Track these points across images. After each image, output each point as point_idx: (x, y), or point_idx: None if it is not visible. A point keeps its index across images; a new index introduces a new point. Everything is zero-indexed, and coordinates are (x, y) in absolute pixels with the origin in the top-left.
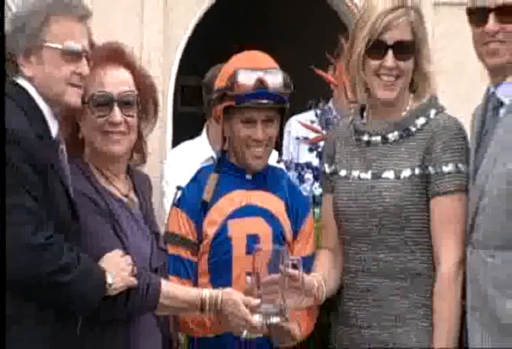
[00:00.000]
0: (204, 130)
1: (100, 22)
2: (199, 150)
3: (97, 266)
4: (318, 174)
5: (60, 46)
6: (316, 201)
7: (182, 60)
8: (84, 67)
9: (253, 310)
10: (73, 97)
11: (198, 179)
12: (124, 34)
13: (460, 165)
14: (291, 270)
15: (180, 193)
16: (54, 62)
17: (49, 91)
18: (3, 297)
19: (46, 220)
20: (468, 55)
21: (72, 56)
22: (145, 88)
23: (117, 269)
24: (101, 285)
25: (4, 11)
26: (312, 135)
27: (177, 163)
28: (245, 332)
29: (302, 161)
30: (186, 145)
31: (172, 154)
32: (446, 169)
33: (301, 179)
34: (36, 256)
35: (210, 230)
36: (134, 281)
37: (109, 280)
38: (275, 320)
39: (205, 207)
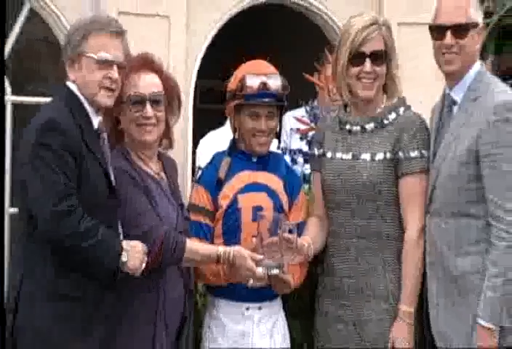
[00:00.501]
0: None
1: (136, 37)
2: (224, 138)
3: (117, 242)
4: (307, 158)
5: (94, 56)
6: (306, 179)
7: (200, 67)
8: (114, 73)
9: (257, 263)
10: (104, 97)
11: (214, 163)
12: (154, 46)
13: (423, 151)
14: (287, 234)
15: (200, 173)
16: (89, 69)
17: (86, 92)
18: (3, 297)
19: (72, 194)
20: (423, 64)
21: (104, 64)
22: (170, 89)
23: (135, 254)
24: (115, 258)
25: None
26: (302, 127)
27: (207, 150)
28: (251, 281)
29: (294, 147)
30: (212, 135)
31: (202, 143)
32: (412, 154)
33: (294, 161)
34: (57, 221)
35: (224, 202)
36: (142, 267)
37: (124, 258)
38: (274, 272)
39: (220, 184)
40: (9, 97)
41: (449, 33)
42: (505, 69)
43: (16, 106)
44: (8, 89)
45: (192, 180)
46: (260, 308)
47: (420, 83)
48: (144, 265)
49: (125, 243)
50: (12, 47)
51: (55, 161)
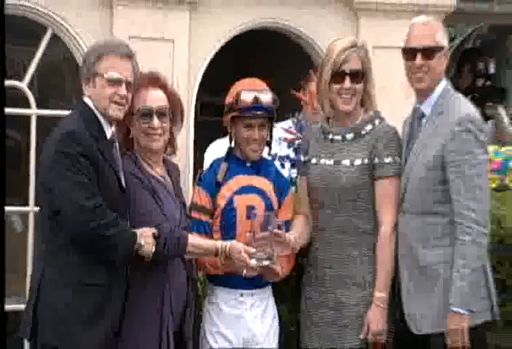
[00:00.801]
0: None
1: (144, 57)
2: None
3: (132, 231)
4: (294, 163)
5: (105, 76)
6: (293, 182)
7: (201, 84)
8: (122, 90)
9: (250, 256)
10: (115, 111)
11: (213, 167)
12: (160, 66)
13: (396, 158)
14: (276, 230)
15: (199, 176)
16: (101, 86)
17: (99, 106)
18: (3, 297)
19: (96, 193)
20: (394, 82)
21: (114, 82)
22: (174, 103)
23: (147, 238)
24: (131, 243)
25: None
26: (289, 136)
27: (213, 155)
28: (244, 271)
29: (282, 154)
30: (218, 143)
31: (209, 150)
32: (386, 160)
33: (282, 166)
34: (87, 214)
35: (221, 202)
36: (154, 249)
37: (141, 242)
38: (265, 263)
39: (218, 186)
40: (34, 111)
41: (419, 55)
42: (464, 88)
43: (40, 118)
44: (33, 103)
45: (193, 183)
46: (252, 294)
47: (391, 99)
48: (155, 247)
49: (138, 231)
50: (36, 67)
51: (76, 166)
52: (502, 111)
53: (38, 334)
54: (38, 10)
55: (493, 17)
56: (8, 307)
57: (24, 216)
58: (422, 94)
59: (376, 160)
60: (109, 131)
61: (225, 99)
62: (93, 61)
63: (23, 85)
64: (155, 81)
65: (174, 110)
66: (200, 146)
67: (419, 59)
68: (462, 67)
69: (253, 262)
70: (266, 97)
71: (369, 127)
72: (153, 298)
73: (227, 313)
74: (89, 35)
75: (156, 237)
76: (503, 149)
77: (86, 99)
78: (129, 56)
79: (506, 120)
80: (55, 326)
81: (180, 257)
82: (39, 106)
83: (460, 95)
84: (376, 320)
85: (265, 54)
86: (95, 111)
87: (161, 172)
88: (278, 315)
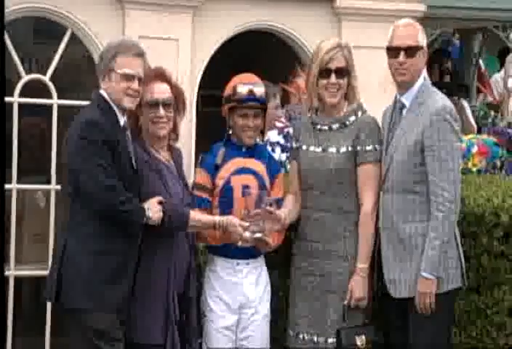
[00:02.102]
0: None
1: (152, 54)
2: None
3: (142, 205)
4: (283, 149)
5: (120, 71)
6: (282, 165)
7: (202, 78)
8: (135, 84)
9: (244, 229)
10: (128, 103)
11: (213, 151)
12: (167, 62)
13: (376, 146)
14: (268, 207)
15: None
16: (116, 81)
17: (114, 98)
18: (3, 296)
19: (114, 174)
20: (372, 78)
21: (127, 77)
22: (178, 95)
23: (153, 208)
24: (142, 217)
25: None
26: (280, 125)
27: None
28: (239, 242)
29: (273, 140)
30: None
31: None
32: (368, 148)
33: (273, 151)
34: (108, 193)
35: (220, 181)
36: (161, 215)
37: (149, 214)
38: (258, 235)
39: (217, 168)
40: (56, 101)
41: (402, 53)
42: (432, 84)
43: (60, 107)
44: (55, 95)
45: (195, 165)
46: (247, 263)
47: (369, 93)
48: (161, 214)
49: (145, 205)
50: (58, 62)
51: (97, 150)
52: (465, 104)
53: (63, 296)
54: (59, 12)
55: (458, 22)
56: (32, 272)
57: (47, 193)
58: (404, 87)
59: (359, 148)
60: (122, 119)
61: (223, 93)
62: (109, 58)
63: (46, 78)
64: (161, 75)
65: (177, 101)
66: (201, 134)
67: (402, 57)
68: (431, 65)
69: (247, 234)
70: (259, 89)
71: (352, 118)
72: (162, 263)
73: (225, 279)
74: (104, 35)
75: (161, 203)
76: (466, 137)
77: (102, 92)
78: (141, 55)
79: (469, 112)
80: (82, 287)
81: (184, 230)
82: (60, 97)
83: (436, 89)
84: (358, 287)
85: (259, 52)
86: (110, 102)
87: (166, 156)
88: (270, 280)
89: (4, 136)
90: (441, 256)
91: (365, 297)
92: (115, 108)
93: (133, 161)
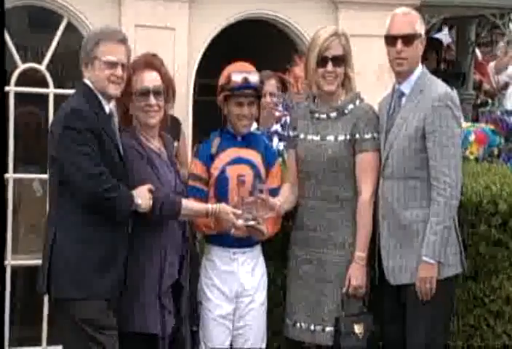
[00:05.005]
0: None
1: (149, 43)
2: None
3: (130, 192)
4: (281, 138)
5: (103, 58)
6: (280, 154)
7: (199, 67)
8: (119, 71)
9: (237, 217)
10: (112, 89)
11: (208, 141)
12: (163, 51)
13: (375, 134)
14: (260, 195)
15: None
16: (99, 68)
17: (98, 86)
18: (3, 298)
19: (100, 162)
20: (368, 66)
21: (110, 64)
22: (167, 82)
23: (143, 195)
24: (130, 203)
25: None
26: (277, 114)
27: None
28: (233, 230)
29: (271, 129)
30: None
31: None
32: (367, 136)
33: (270, 140)
34: (94, 180)
35: (215, 171)
36: (151, 203)
37: (138, 201)
38: (251, 223)
39: (212, 158)
40: (52, 90)
41: (399, 41)
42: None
43: (56, 96)
44: (51, 83)
45: (191, 155)
46: (244, 252)
47: (365, 81)
48: (151, 201)
49: (134, 191)
50: (53, 51)
51: (81, 139)
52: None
53: (52, 286)
54: (55, 1)
55: (455, 9)
56: (31, 262)
57: (44, 182)
58: (402, 76)
59: (357, 136)
60: (107, 107)
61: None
62: (91, 46)
63: (42, 67)
64: (150, 64)
65: (167, 90)
66: (198, 123)
67: (399, 45)
68: (427, 53)
69: (240, 222)
70: (254, 77)
71: (350, 107)
72: (154, 252)
73: (221, 268)
74: (100, 24)
75: (151, 190)
76: (464, 125)
77: (86, 81)
78: (123, 41)
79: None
80: (70, 277)
81: (176, 218)
82: (56, 86)
83: (435, 77)
84: (356, 275)
85: (255, 41)
86: (95, 90)
87: (157, 145)
88: (267, 270)
89: (5, 127)
90: (443, 241)
91: (363, 286)
92: (99, 96)
93: (120, 149)
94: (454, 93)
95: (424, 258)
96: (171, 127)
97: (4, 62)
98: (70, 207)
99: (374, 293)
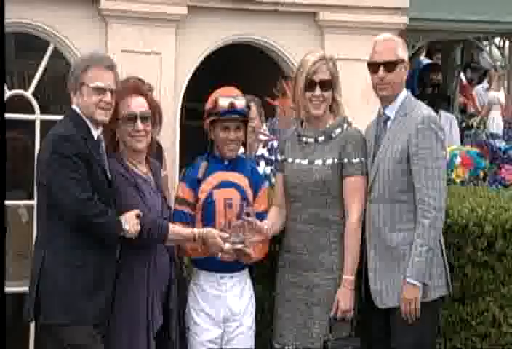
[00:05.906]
0: None
1: (135, 68)
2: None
3: (117, 218)
4: (267, 161)
5: (91, 85)
6: (266, 178)
7: (186, 92)
8: (107, 97)
9: (224, 240)
10: (100, 115)
11: (195, 165)
12: (150, 76)
13: (362, 158)
14: (248, 218)
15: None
16: (88, 94)
17: (86, 111)
18: (3, 298)
19: (88, 187)
20: (354, 90)
21: (99, 90)
22: (154, 108)
23: (131, 221)
24: (117, 229)
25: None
26: (264, 138)
27: None
28: (220, 254)
29: (258, 153)
30: None
31: None
32: (354, 160)
33: (257, 164)
34: (82, 205)
35: (202, 195)
36: (138, 228)
37: (126, 227)
38: (238, 246)
39: (199, 182)
40: (38, 116)
41: (381, 68)
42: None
43: (43, 122)
44: (37, 109)
45: (179, 178)
46: (231, 277)
47: (352, 105)
48: (139, 227)
49: (122, 217)
50: (40, 77)
51: (69, 164)
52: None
53: (42, 311)
54: (41, 27)
55: (439, 34)
56: (15, 289)
57: (30, 207)
58: (387, 101)
59: (345, 160)
60: (96, 132)
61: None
62: (80, 72)
63: (28, 94)
64: (137, 89)
65: (153, 114)
66: (185, 147)
67: (381, 72)
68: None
69: (227, 245)
70: (241, 102)
71: (338, 130)
72: (141, 275)
73: (209, 292)
74: (86, 50)
75: (139, 216)
76: (450, 148)
77: (74, 107)
78: (111, 67)
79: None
80: (58, 300)
81: (162, 243)
82: (42, 112)
83: (419, 100)
84: (344, 299)
85: (241, 66)
86: (83, 116)
87: (144, 170)
88: (254, 293)
89: (5, 154)
90: (427, 262)
91: (351, 309)
92: (88, 122)
93: (108, 174)
94: (437, 116)
95: (408, 279)
96: (156, 152)
97: (4, 71)
98: (59, 230)
99: (362, 315)
